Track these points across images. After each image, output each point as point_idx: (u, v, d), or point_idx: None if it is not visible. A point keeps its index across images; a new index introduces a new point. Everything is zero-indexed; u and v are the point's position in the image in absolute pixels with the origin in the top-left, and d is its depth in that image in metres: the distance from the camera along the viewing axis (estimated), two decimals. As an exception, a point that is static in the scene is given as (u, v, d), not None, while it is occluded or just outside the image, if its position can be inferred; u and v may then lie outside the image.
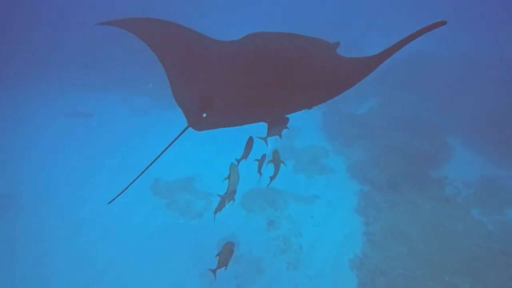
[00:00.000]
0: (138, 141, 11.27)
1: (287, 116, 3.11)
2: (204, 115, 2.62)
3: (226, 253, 4.25)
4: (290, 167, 10.15)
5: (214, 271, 4.39)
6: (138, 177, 2.75)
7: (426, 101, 12.63)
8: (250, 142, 3.79)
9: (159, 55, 3.22)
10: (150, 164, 2.73)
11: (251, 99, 2.74)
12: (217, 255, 4.33)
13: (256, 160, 4.08)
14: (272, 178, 4.19)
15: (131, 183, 2.81)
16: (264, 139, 3.44)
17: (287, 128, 3.27)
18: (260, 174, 4.01)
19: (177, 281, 7.17)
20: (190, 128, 2.67)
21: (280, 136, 3.29)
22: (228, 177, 3.91)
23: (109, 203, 3.17)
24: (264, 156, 4.07)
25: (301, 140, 11.19)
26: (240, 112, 2.70)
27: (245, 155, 3.86)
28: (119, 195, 2.93)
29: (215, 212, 4.12)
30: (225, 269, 4.26)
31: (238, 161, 3.94)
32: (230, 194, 3.90)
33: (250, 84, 2.81)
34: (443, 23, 2.35)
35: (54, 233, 8.21)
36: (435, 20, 2.37)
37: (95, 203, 8.96)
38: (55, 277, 7.28)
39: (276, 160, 4.11)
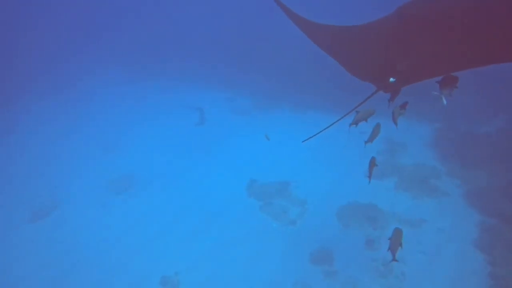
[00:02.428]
0: (237, 139, 11.60)
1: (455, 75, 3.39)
2: (392, 79, 3.21)
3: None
4: (392, 184, 9.27)
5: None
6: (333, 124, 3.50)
7: None
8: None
9: (328, 49, 3.81)
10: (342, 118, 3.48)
11: (426, 60, 3.18)
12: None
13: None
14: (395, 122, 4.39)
15: (330, 126, 3.57)
16: (439, 96, 3.60)
17: (457, 87, 3.46)
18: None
19: (269, 284, 7.00)
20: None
21: (451, 95, 3.51)
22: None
23: (303, 142, 4.08)
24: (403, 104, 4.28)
25: (406, 156, 10.15)
26: (419, 72, 3.20)
27: (392, 97, 3.87)
28: (314, 135, 3.76)
29: (351, 124, 4.54)
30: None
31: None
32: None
33: (421, 48, 3.23)
34: None
35: (162, 215, 8.88)
36: None
37: (198, 192, 9.49)
38: (157, 257, 7.82)
39: (397, 114, 4.31)
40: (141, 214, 9.00)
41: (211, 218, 8.61)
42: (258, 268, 7.36)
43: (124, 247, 8.19)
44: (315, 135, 3.69)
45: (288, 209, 8.57)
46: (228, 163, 10.43)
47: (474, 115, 10.82)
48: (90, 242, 8.50)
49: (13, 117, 15.17)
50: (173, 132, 11.17)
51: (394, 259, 4.64)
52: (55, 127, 13.98)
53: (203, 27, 17.96)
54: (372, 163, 4.71)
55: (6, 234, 9.12)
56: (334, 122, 3.47)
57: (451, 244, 7.43)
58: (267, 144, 10.96)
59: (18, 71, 17.12)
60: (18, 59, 17.72)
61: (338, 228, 8.12)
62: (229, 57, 15.68)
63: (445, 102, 3.52)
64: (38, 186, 10.74)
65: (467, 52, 3.01)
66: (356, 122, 4.33)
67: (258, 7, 17.13)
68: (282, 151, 10.46)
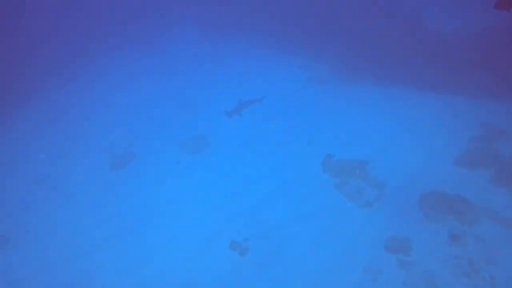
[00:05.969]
0: (314, 110, 11.05)
1: None
2: None
3: None
4: (487, 176, 8.21)
5: None
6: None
7: None
8: None
9: None
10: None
11: None
12: None
13: None
14: None
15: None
16: None
17: None
18: None
19: (338, 264, 6.81)
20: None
21: None
22: None
23: None
24: None
25: (507, 144, 8.86)
26: None
27: None
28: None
29: None
30: None
31: None
32: None
33: None
34: None
35: (234, 181, 8.94)
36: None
37: (272, 160, 9.36)
38: (227, 221, 7.90)
39: None
40: (213, 177, 9.15)
41: (283, 189, 8.48)
42: (328, 247, 7.14)
43: (195, 208, 8.44)
44: None
45: (365, 190, 8.07)
46: (304, 135, 10.02)
47: None
48: (164, 197, 8.86)
49: (98, 70, 16.05)
50: (248, 99, 10.87)
51: None
52: (135, 76, 14.67)
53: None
54: None
55: (87, 180, 9.83)
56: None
57: (556, 252, 6.48)
58: (346, 118, 10.27)
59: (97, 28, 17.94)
60: (93, 14, 18.49)
61: (418, 217, 7.49)
62: (308, 22, 14.67)
63: None
64: (118, 135, 11.34)
65: None
66: None
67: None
68: (362, 128, 9.70)
